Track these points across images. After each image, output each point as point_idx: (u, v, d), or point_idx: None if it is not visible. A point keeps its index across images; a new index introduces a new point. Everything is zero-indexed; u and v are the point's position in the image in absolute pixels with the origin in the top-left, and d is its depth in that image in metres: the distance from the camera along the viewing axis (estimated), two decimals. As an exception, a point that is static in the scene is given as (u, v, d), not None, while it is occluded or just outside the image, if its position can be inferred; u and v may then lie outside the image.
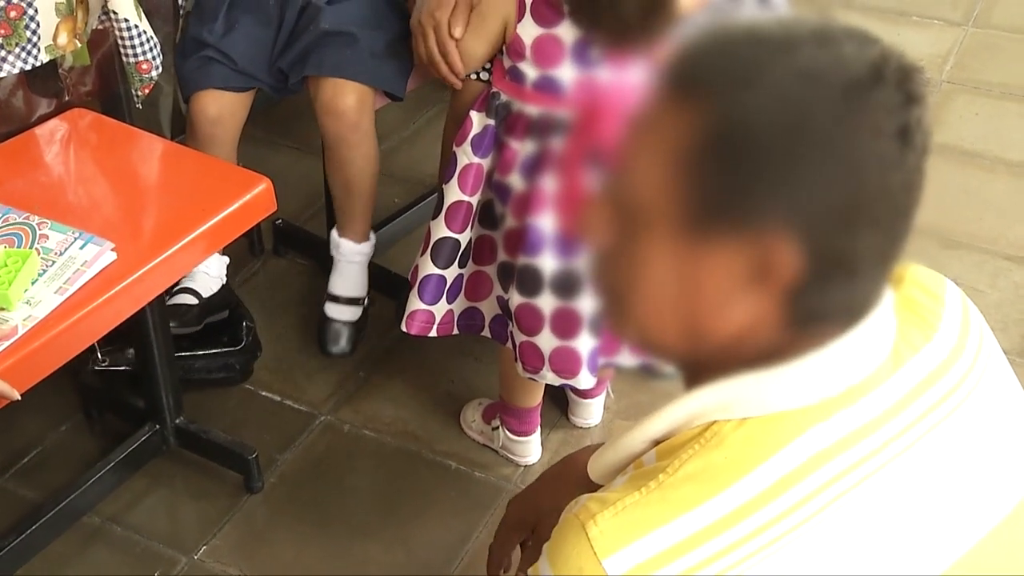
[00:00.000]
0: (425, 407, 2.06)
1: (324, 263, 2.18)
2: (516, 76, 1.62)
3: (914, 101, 0.71)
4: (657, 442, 0.80)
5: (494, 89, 1.67)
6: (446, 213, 1.73)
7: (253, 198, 1.58)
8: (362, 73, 1.91)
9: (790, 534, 0.74)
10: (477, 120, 1.68)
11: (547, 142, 1.60)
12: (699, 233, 0.72)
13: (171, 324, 1.96)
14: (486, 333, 1.84)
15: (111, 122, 1.74)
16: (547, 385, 1.82)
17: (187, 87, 1.96)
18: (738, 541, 0.73)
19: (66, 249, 1.41)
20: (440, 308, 1.79)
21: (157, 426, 1.90)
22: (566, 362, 1.67)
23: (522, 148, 1.63)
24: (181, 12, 2.05)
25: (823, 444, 0.75)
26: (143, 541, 1.81)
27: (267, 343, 2.17)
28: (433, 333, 1.81)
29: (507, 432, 1.92)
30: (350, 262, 2.10)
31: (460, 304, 1.82)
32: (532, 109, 1.62)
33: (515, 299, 1.67)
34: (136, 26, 1.69)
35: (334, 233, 2.09)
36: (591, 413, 2.00)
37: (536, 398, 1.89)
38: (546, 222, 1.60)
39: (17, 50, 1.60)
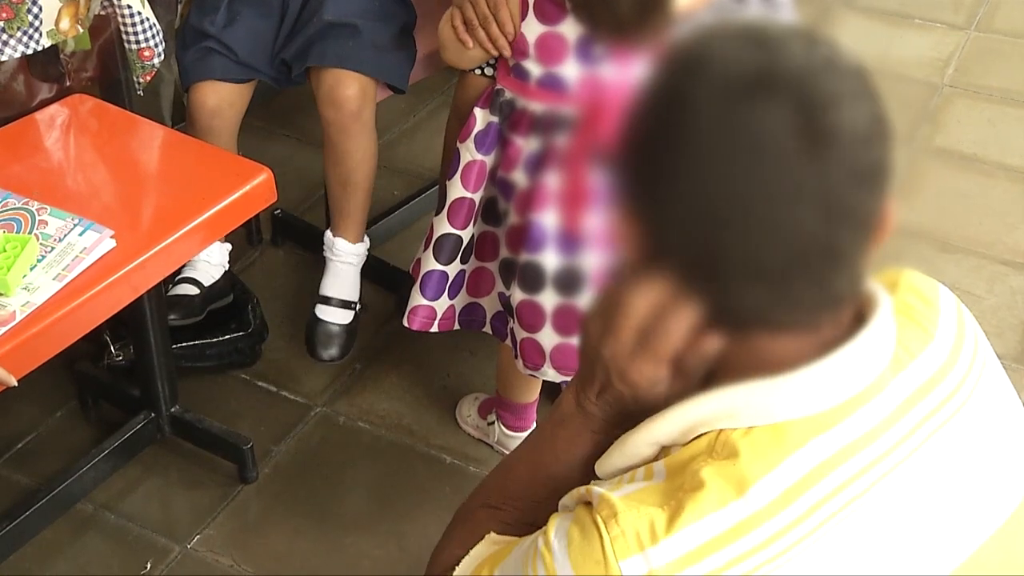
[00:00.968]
0: (421, 401, 2.06)
1: (322, 254, 2.17)
2: (520, 73, 1.62)
3: (819, 108, 0.69)
4: (663, 445, 0.80)
5: (498, 86, 1.66)
6: (448, 209, 1.72)
7: (253, 188, 1.58)
8: (365, 64, 1.91)
9: (801, 543, 0.74)
10: (481, 117, 1.68)
11: (551, 139, 1.60)
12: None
13: (172, 316, 1.96)
14: (487, 329, 1.84)
15: (112, 108, 1.73)
16: (543, 381, 1.82)
17: (187, 78, 1.96)
18: (751, 549, 0.74)
19: (65, 235, 1.40)
20: (442, 304, 1.79)
21: (152, 414, 1.90)
22: (567, 359, 1.67)
23: (526, 145, 1.63)
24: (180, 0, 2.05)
25: (828, 453, 0.75)
26: (136, 529, 1.81)
27: (263, 333, 2.17)
28: (434, 328, 1.81)
29: (503, 427, 1.92)
30: (344, 263, 2.05)
31: (462, 300, 1.81)
32: (536, 106, 1.61)
33: (517, 295, 1.67)
34: (139, 13, 1.68)
35: (328, 233, 2.05)
36: (587, 410, 2.00)
37: (533, 394, 1.89)
38: (549, 219, 1.60)
39: (19, 34, 1.59)
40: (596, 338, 0.82)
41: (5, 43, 1.59)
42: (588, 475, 0.86)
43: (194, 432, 1.91)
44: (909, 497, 0.78)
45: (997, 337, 2.20)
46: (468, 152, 1.69)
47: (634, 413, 0.82)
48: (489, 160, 1.69)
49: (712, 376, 0.78)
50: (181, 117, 2.34)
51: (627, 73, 1.48)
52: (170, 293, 2.00)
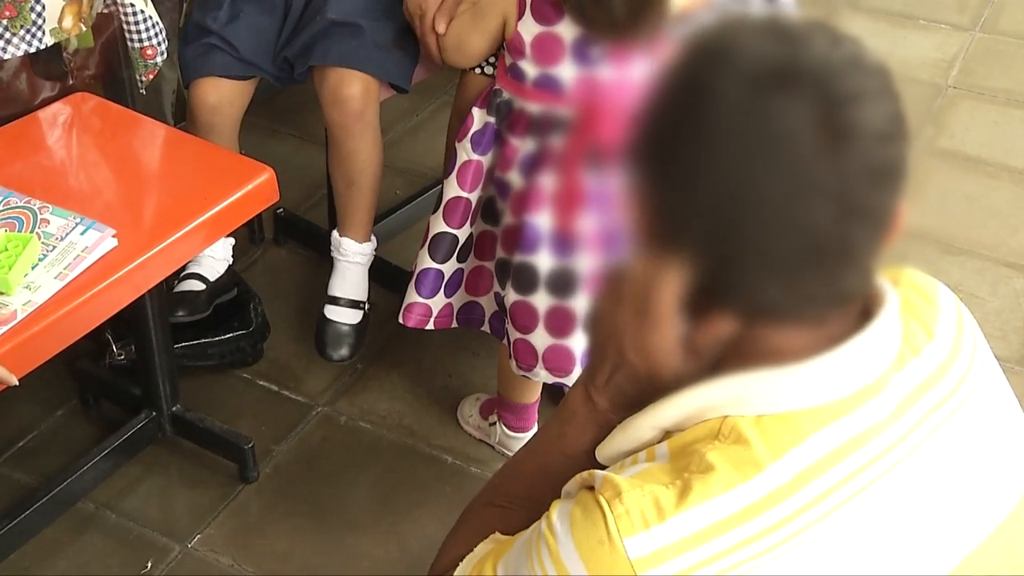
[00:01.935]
0: (422, 401, 2.05)
1: (324, 253, 2.17)
2: (517, 74, 1.62)
3: (841, 104, 0.69)
4: (666, 430, 0.80)
5: (496, 86, 1.66)
6: (444, 208, 1.73)
7: (256, 187, 1.57)
8: (368, 64, 1.91)
9: (805, 531, 0.75)
10: (478, 117, 1.68)
11: (547, 140, 1.60)
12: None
13: (179, 313, 1.96)
14: (485, 328, 1.84)
15: (114, 107, 1.73)
16: (545, 382, 1.82)
17: (188, 73, 1.95)
18: (756, 535, 0.74)
19: (67, 234, 1.40)
20: (437, 302, 1.79)
21: (153, 413, 1.89)
22: (559, 360, 1.67)
23: (522, 146, 1.63)
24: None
25: (834, 444, 0.76)
26: (137, 528, 1.81)
27: (265, 333, 2.17)
28: (430, 326, 1.81)
29: (504, 428, 1.92)
30: (351, 263, 2.04)
31: (459, 298, 1.81)
32: (533, 107, 1.61)
33: (511, 296, 1.67)
34: (142, 11, 1.68)
35: (335, 233, 2.04)
36: (589, 411, 2.00)
37: (534, 395, 1.89)
38: (543, 220, 1.60)
39: (22, 32, 1.59)
40: (606, 314, 0.83)
41: (8, 41, 1.59)
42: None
43: (195, 431, 1.91)
44: (911, 492, 0.79)
45: (1000, 340, 2.19)
46: (465, 152, 1.69)
47: (643, 399, 0.82)
48: (486, 160, 1.69)
49: (720, 363, 0.78)
50: (183, 116, 2.34)
51: (623, 74, 1.48)
52: (175, 290, 2.00)
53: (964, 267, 2.39)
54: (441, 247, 1.75)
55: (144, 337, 1.82)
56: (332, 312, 2.05)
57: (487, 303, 1.81)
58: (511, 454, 1.93)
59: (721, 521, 0.74)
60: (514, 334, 1.69)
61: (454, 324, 1.84)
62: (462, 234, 1.74)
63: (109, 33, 1.73)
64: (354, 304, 2.05)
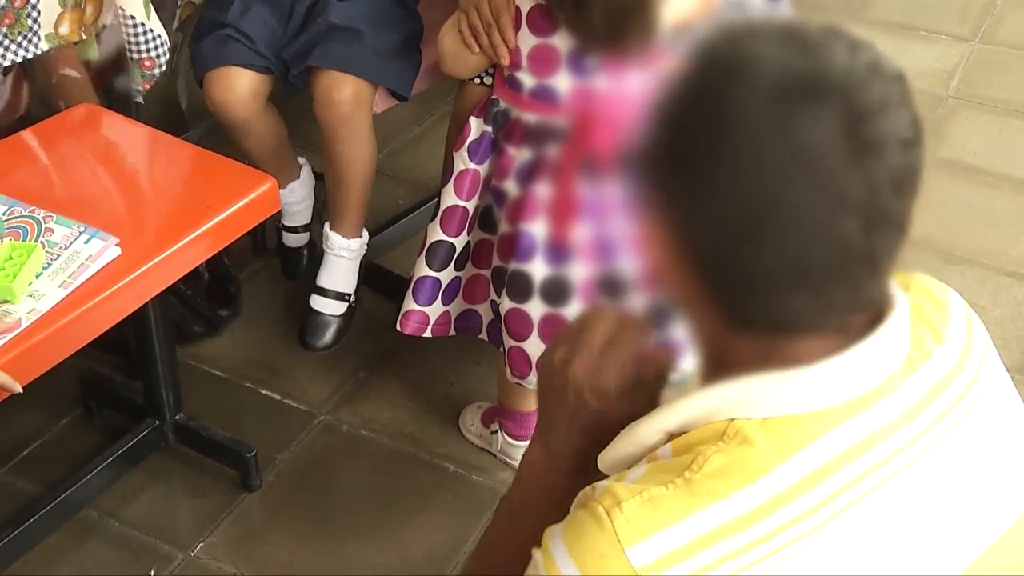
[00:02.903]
0: (424, 409, 2.06)
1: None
2: (514, 84, 1.63)
3: (866, 116, 0.69)
4: (671, 434, 0.80)
5: (493, 96, 1.68)
6: (441, 217, 1.74)
7: (258, 196, 1.58)
8: (365, 69, 1.92)
9: (810, 535, 0.74)
10: (475, 126, 1.69)
11: (543, 150, 1.61)
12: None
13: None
14: (483, 336, 1.84)
15: (118, 117, 1.75)
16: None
17: (204, 65, 1.94)
18: (760, 538, 0.73)
19: (71, 243, 1.41)
20: (435, 309, 1.80)
21: (156, 422, 1.90)
22: None
23: (518, 155, 1.64)
24: (179, 4, 2.05)
25: (841, 447, 0.75)
26: (140, 536, 1.81)
27: (268, 341, 2.18)
28: (428, 334, 1.82)
29: (506, 436, 1.92)
30: (338, 256, 2.09)
31: (457, 306, 1.82)
32: (529, 117, 1.62)
33: (505, 304, 1.68)
34: (142, 24, 1.70)
35: (326, 226, 2.09)
36: (590, 419, 2.00)
37: (534, 402, 1.88)
38: (538, 228, 1.61)
39: (19, 39, 1.60)
40: (562, 362, 0.87)
41: (7, 48, 1.60)
42: None
43: (198, 440, 1.92)
44: (919, 496, 0.78)
45: (1002, 349, 2.16)
46: (462, 161, 1.71)
47: (603, 436, 0.84)
48: (483, 169, 1.70)
49: (725, 366, 0.77)
50: (186, 127, 2.35)
51: (619, 85, 1.49)
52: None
53: (965, 276, 2.40)
54: (438, 255, 1.76)
55: (147, 346, 1.83)
56: (317, 302, 2.10)
57: (485, 311, 1.82)
58: (512, 462, 1.94)
59: (726, 524, 0.73)
60: (508, 342, 1.70)
61: (452, 332, 1.85)
62: (459, 242, 1.75)
63: (112, 44, 1.75)
64: (340, 296, 2.10)
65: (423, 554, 1.80)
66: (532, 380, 1.71)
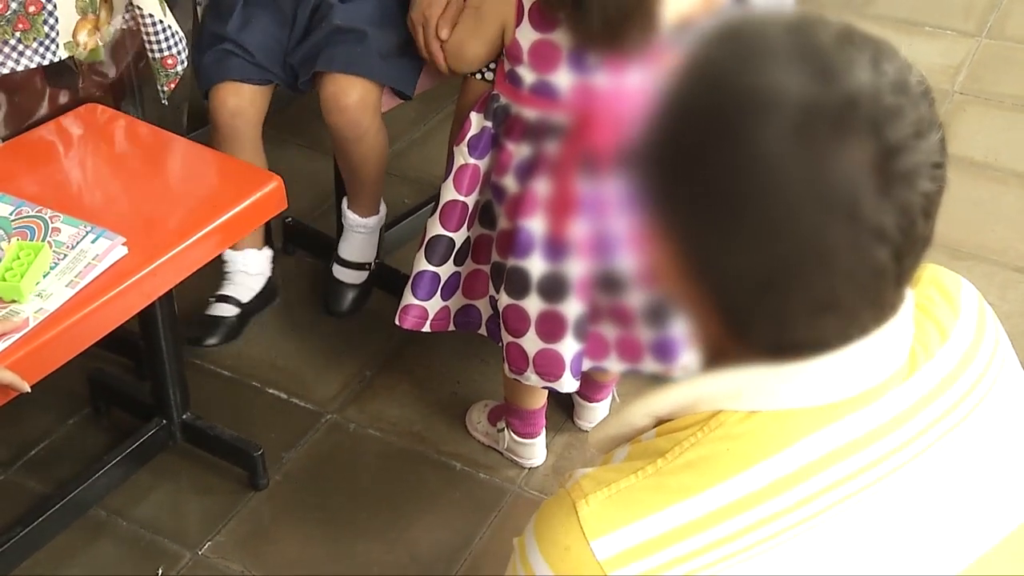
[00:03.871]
0: (431, 408, 2.06)
1: (329, 258, 2.19)
2: (514, 79, 1.63)
3: (898, 149, 0.66)
4: (660, 420, 0.79)
5: (494, 91, 1.68)
6: (441, 212, 1.74)
7: (264, 196, 1.59)
8: (371, 70, 1.93)
9: (786, 533, 0.73)
10: (476, 121, 1.69)
11: (542, 146, 1.61)
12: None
13: (211, 341, 2.06)
14: (482, 331, 1.85)
15: (125, 117, 1.75)
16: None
17: (206, 80, 1.98)
18: (731, 535, 0.72)
19: (78, 243, 1.41)
20: (434, 304, 1.81)
21: (164, 421, 1.90)
22: (549, 365, 1.68)
23: (518, 151, 1.64)
24: (199, 5, 2.07)
25: (830, 447, 0.74)
26: (148, 535, 1.82)
27: (275, 340, 2.18)
28: (426, 328, 1.83)
29: (512, 434, 1.92)
30: (355, 231, 2.17)
31: (457, 301, 1.83)
32: (529, 112, 1.62)
33: (503, 300, 1.68)
34: (160, 21, 1.69)
35: (344, 201, 2.15)
36: (597, 417, 2.00)
37: (541, 400, 1.89)
38: (537, 224, 1.61)
39: (35, 45, 1.61)
40: None
41: (21, 54, 1.60)
42: None
43: (205, 439, 1.92)
44: (911, 498, 0.77)
45: (1009, 344, 2.19)
46: (462, 156, 1.71)
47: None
48: (483, 164, 1.70)
49: (723, 358, 0.76)
50: (192, 127, 2.36)
51: (619, 82, 1.49)
52: (207, 313, 2.05)
53: (972, 272, 2.39)
54: (437, 250, 1.76)
55: (154, 345, 1.84)
56: (338, 271, 2.21)
57: (484, 306, 1.82)
58: (519, 460, 1.94)
59: (694, 521, 0.72)
60: (506, 337, 1.71)
61: (451, 327, 1.85)
62: (459, 238, 1.76)
63: (120, 44, 1.75)
64: (359, 266, 2.20)
65: (431, 552, 1.80)
66: (529, 376, 1.71)
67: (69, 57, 1.68)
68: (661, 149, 0.71)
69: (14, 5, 1.56)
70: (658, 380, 1.97)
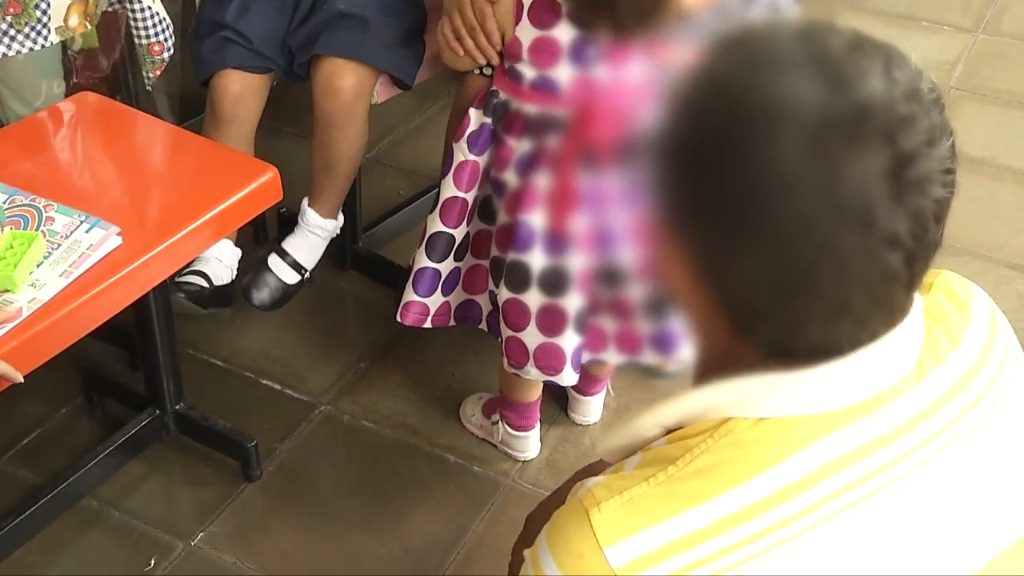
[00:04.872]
0: (425, 400, 2.06)
1: (327, 252, 2.18)
2: (514, 75, 1.63)
3: (912, 157, 0.67)
4: (669, 429, 0.79)
5: (493, 87, 1.67)
6: (441, 208, 1.74)
7: (259, 186, 1.58)
8: (371, 56, 1.92)
9: (796, 539, 0.73)
10: (475, 117, 1.69)
11: (543, 141, 1.60)
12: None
13: (180, 294, 1.96)
14: (482, 326, 1.85)
15: (119, 106, 1.74)
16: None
17: (205, 69, 1.96)
18: (742, 541, 0.72)
19: (72, 232, 1.40)
20: (435, 300, 1.80)
21: (157, 411, 1.90)
22: (550, 359, 1.68)
23: (518, 146, 1.63)
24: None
25: (838, 452, 0.74)
26: (140, 526, 1.81)
27: (269, 331, 2.18)
28: (428, 324, 1.82)
29: (507, 427, 1.92)
30: (311, 231, 2.11)
31: (457, 297, 1.82)
32: (529, 108, 1.62)
33: (503, 294, 1.68)
34: (148, 7, 1.69)
35: (305, 200, 2.09)
36: (591, 410, 2.00)
37: (535, 393, 1.89)
38: (537, 219, 1.61)
39: (27, 30, 1.60)
40: None
41: (13, 38, 1.59)
42: None
43: (199, 430, 1.92)
44: (921, 502, 0.77)
45: (1002, 340, 2.19)
46: (461, 152, 1.70)
47: None
48: (482, 160, 1.70)
49: (725, 362, 0.76)
50: (184, 116, 2.35)
51: (620, 75, 1.48)
52: (177, 279, 2.00)
53: (966, 269, 2.37)
54: (438, 246, 1.76)
55: (148, 336, 1.83)
56: (274, 262, 2.11)
57: (484, 301, 1.82)
58: (513, 453, 1.94)
59: (707, 527, 0.72)
60: (506, 332, 1.70)
61: (452, 322, 1.85)
62: (459, 233, 1.75)
63: (113, 32, 1.74)
64: (297, 267, 2.11)
65: (424, 544, 1.80)
66: (529, 370, 1.71)
67: (64, 52, 1.67)
68: (674, 156, 0.71)
69: (7, -11, 1.56)
70: (653, 373, 1.97)
